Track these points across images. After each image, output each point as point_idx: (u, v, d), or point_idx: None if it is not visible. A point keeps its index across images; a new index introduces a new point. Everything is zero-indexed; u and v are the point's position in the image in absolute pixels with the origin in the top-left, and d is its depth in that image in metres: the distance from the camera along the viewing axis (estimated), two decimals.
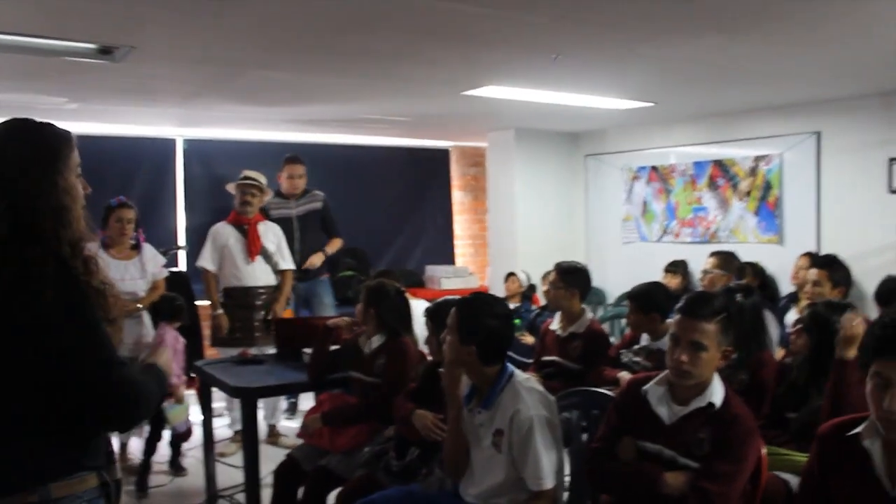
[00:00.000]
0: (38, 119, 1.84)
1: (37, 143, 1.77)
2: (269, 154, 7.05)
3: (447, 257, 7.89)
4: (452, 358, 2.68)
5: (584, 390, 3.20)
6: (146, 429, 4.84)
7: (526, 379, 2.69)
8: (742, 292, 3.57)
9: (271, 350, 4.76)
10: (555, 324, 4.33)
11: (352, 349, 3.82)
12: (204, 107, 5.43)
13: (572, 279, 4.34)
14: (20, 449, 1.67)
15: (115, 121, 6.06)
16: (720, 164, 6.00)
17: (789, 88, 5.03)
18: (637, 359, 3.92)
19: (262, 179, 5.40)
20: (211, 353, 5.46)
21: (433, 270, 7.23)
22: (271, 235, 5.43)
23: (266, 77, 4.39)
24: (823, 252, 5.21)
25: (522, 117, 6.28)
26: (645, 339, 3.99)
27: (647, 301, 3.90)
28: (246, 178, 5.37)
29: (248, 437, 3.75)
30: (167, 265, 5.77)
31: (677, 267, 5.95)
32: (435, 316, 3.28)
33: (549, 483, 2.52)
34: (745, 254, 5.63)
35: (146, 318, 4.93)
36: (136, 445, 5.04)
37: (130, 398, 1.71)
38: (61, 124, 5.81)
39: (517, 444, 2.56)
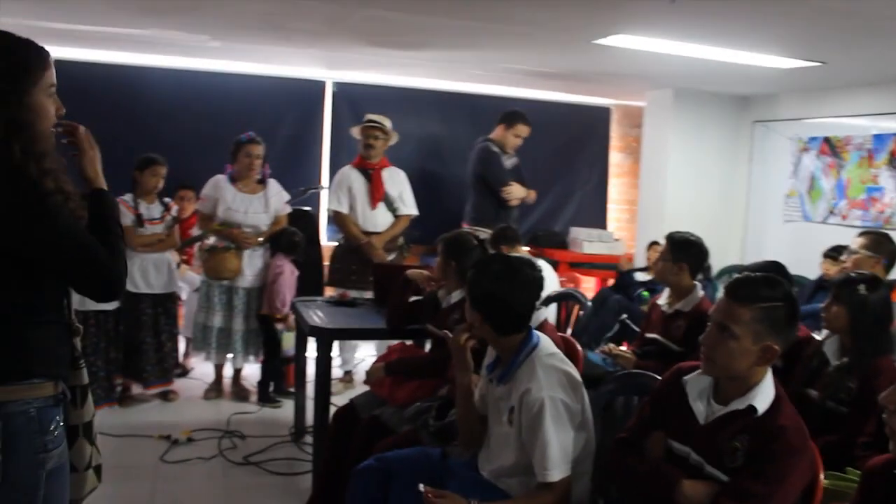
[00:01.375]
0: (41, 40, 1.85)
1: (9, 57, 1.75)
2: (419, 101, 7.04)
3: (599, 221, 7.49)
4: (467, 321, 2.48)
5: (632, 373, 2.86)
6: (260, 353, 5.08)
7: (550, 354, 2.43)
8: (867, 283, 3.04)
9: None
10: (662, 299, 3.96)
11: (433, 301, 3.69)
12: (342, 49, 5.41)
13: (682, 253, 3.95)
14: None
15: (264, 61, 6.21)
16: None
17: None
18: None
19: (387, 123, 5.34)
20: (329, 292, 5.52)
21: (577, 233, 6.89)
22: (396, 182, 5.39)
23: (382, 17, 4.28)
24: None
25: (683, 76, 5.76)
26: None
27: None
28: (369, 120, 5.32)
29: (320, 377, 3.74)
30: (303, 204, 5.93)
31: (839, 253, 5.24)
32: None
33: (556, 475, 2.27)
34: None
35: (265, 251, 5.07)
36: (248, 371, 5.26)
37: (113, 260, 1.77)
38: (206, 62, 6.11)
39: (526, 426, 2.32)
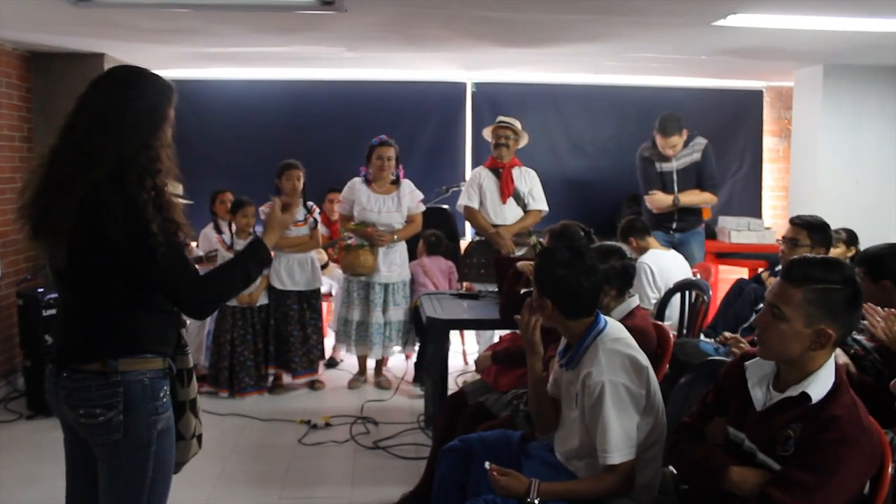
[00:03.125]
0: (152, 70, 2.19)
1: (156, 93, 2.13)
2: (559, 96, 7.07)
3: (752, 209, 7.17)
4: (535, 304, 2.55)
5: (713, 360, 2.81)
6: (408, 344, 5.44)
7: (615, 339, 2.46)
8: None
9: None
10: None
11: None
12: (471, 50, 5.57)
13: (815, 235, 3.81)
14: (98, 328, 2.06)
15: (403, 67, 6.51)
16: None
17: None
18: (859, 337, 3.28)
19: (517, 123, 5.44)
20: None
21: (725, 222, 6.64)
22: (526, 179, 5.48)
23: (495, 18, 4.40)
24: None
25: (830, 52, 5.43)
26: None
27: (877, 265, 3.24)
28: (500, 122, 5.45)
29: (438, 366, 3.93)
30: (444, 202, 6.18)
31: None
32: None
33: (616, 458, 2.31)
34: None
35: (402, 247, 5.34)
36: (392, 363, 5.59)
37: (201, 288, 2.08)
38: (343, 72, 6.59)
39: (588, 409, 2.38)
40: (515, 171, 5.46)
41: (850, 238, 4.83)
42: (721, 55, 5.60)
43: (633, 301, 3.14)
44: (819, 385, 2.01)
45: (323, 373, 5.53)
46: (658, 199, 5.56)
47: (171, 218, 2.07)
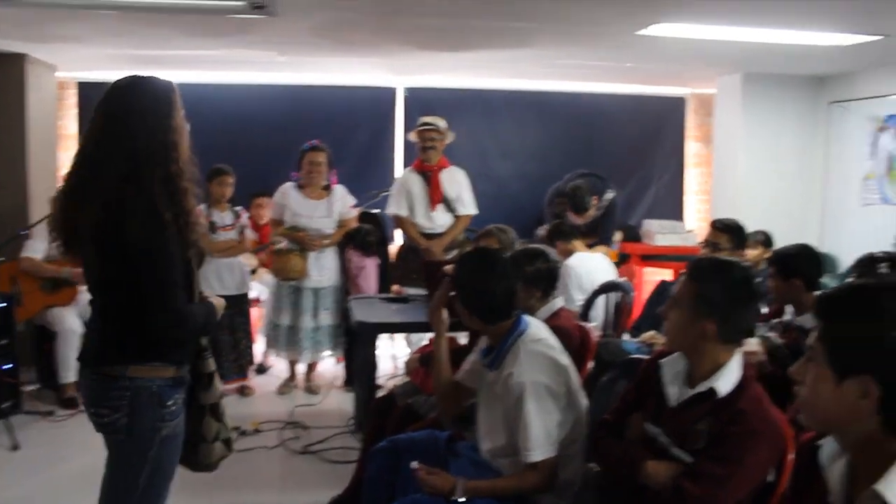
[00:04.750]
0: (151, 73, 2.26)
1: (154, 93, 2.18)
2: (487, 102, 7.17)
3: (675, 213, 7.40)
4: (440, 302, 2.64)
5: (633, 359, 2.91)
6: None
7: (536, 340, 2.53)
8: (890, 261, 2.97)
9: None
10: None
11: None
12: (403, 55, 5.62)
13: (735, 238, 3.96)
14: (113, 333, 2.13)
15: (335, 71, 6.52)
16: None
17: None
18: (770, 334, 3.44)
19: (441, 123, 5.46)
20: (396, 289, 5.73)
21: (649, 225, 6.84)
22: (454, 182, 5.51)
23: (425, 24, 4.46)
24: None
25: (751, 60, 5.65)
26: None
27: (787, 265, 3.40)
28: (424, 123, 5.47)
29: (366, 370, 3.95)
30: (375, 206, 6.19)
31: None
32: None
33: (538, 455, 2.38)
34: None
35: (333, 252, 5.34)
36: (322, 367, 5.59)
37: (175, 321, 2.09)
38: (274, 76, 6.54)
39: (510, 409, 2.44)
40: (444, 175, 5.47)
41: (766, 240, 5.03)
42: (645, 63, 5.76)
43: (558, 302, 3.22)
44: (725, 380, 2.11)
45: (252, 378, 5.49)
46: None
47: (182, 208, 2.11)
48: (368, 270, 5.44)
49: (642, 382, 2.35)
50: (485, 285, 2.53)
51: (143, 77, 2.20)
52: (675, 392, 2.22)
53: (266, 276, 5.89)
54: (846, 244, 5.83)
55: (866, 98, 5.84)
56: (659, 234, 6.69)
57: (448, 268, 3.95)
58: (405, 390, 3.70)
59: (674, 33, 4.49)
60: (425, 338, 5.68)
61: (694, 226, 7.21)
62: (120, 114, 2.11)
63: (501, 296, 2.54)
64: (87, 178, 2.08)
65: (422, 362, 3.67)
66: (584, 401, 2.61)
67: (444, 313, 2.77)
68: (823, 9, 4.01)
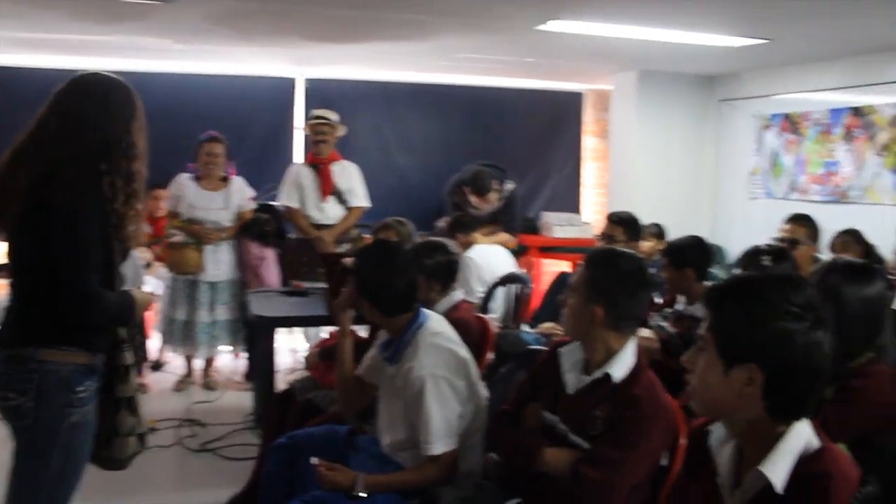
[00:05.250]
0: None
1: (120, 86, 2.25)
2: (389, 94, 7.14)
3: (572, 205, 7.56)
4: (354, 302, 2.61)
5: (531, 350, 2.96)
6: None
7: (435, 333, 2.53)
8: (773, 254, 3.09)
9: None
10: None
11: None
12: (306, 46, 5.54)
13: (629, 230, 4.07)
14: (26, 316, 2.09)
15: (234, 61, 6.35)
16: (858, 112, 5.23)
17: None
18: (663, 323, 3.55)
19: (333, 116, 5.42)
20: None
21: (547, 217, 6.96)
22: (345, 175, 5.47)
23: (328, 15, 4.39)
24: None
25: (646, 58, 5.82)
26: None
27: (679, 255, 3.52)
28: (315, 116, 5.42)
29: (264, 364, 3.88)
30: (273, 199, 6.06)
31: None
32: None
33: (438, 448, 2.38)
34: (879, 217, 4.92)
35: (229, 245, 5.21)
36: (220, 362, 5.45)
37: (82, 304, 2.05)
38: (175, 64, 6.28)
39: (410, 402, 2.44)
40: (336, 168, 5.43)
41: (660, 232, 5.20)
42: (545, 58, 5.85)
43: (457, 295, 3.24)
44: (620, 366, 2.17)
45: (147, 375, 5.31)
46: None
47: (126, 201, 2.11)
48: (269, 262, 5.32)
49: (539, 372, 2.39)
50: (386, 278, 2.51)
51: (97, 73, 2.25)
52: (572, 380, 2.26)
53: (161, 269, 5.68)
54: (735, 236, 6.09)
55: (752, 97, 6.10)
56: (557, 226, 6.81)
57: (347, 260, 3.94)
58: (304, 385, 3.64)
59: (572, 30, 4.57)
60: (324, 332, 5.64)
61: (591, 218, 7.38)
62: (82, 106, 2.14)
63: (402, 288, 2.53)
64: (14, 167, 2.07)
65: (322, 357, 3.62)
66: (484, 392, 2.63)
67: (350, 311, 2.72)
68: (714, 11, 4.18)
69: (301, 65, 6.65)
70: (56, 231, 2.00)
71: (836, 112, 5.39)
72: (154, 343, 5.49)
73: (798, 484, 1.43)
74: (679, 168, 6.50)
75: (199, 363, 5.34)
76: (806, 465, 1.45)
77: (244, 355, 5.42)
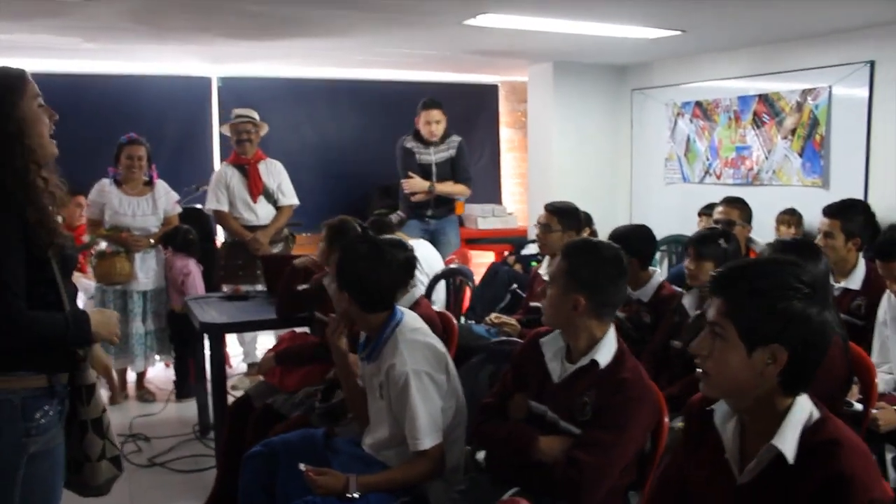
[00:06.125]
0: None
1: None
2: (307, 91, 7.07)
3: (493, 196, 7.67)
4: (339, 307, 2.59)
5: (501, 341, 3.03)
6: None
7: (413, 329, 2.56)
8: (725, 237, 3.24)
9: None
10: (543, 268, 4.14)
11: (319, 289, 3.77)
12: (221, 44, 5.40)
13: (565, 220, 4.15)
14: None
15: (146, 59, 6.14)
16: (766, 99, 5.51)
17: (838, 12, 4.52)
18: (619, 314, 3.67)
19: (255, 115, 5.36)
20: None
21: (471, 209, 7.04)
22: (273, 173, 5.40)
23: (246, 11, 4.30)
24: (871, 198, 4.75)
25: (560, 50, 5.96)
26: None
27: (622, 244, 3.63)
28: (238, 116, 5.33)
29: (215, 371, 3.80)
30: (196, 202, 5.91)
31: (712, 210, 5.54)
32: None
33: (427, 443, 2.41)
34: (789, 198, 5.21)
35: (159, 253, 5.06)
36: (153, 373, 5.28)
37: (3, 326, 1.87)
38: (84, 63, 5.92)
39: (394, 399, 2.45)
40: (262, 167, 5.36)
41: (587, 219, 5.34)
42: (467, 52, 5.91)
43: (418, 291, 3.26)
44: (604, 352, 2.25)
45: None
46: (415, 184, 5.64)
47: (29, 205, 1.92)
48: (194, 275, 5.15)
49: (522, 362, 2.45)
50: (374, 272, 2.52)
51: None
52: (557, 368, 2.33)
53: (83, 280, 5.46)
54: (653, 220, 6.24)
55: (664, 86, 6.34)
56: (481, 217, 6.91)
57: (298, 261, 3.91)
58: (260, 390, 3.59)
59: (499, 24, 4.64)
60: (258, 336, 5.55)
61: (512, 208, 7.50)
62: None
63: (387, 284, 2.55)
64: None
65: (277, 361, 3.58)
66: (460, 386, 2.67)
67: (344, 341, 2.70)
68: (634, 5, 4.31)
69: (216, 63, 6.49)
70: None
71: (744, 99, 5.66)
72: None
73: (808, 453, 1.54)
74: (596, 156, 6.69)
75: (132, 375, 5.17)
76: (812, 435, 1.56)
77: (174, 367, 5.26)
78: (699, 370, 1.65)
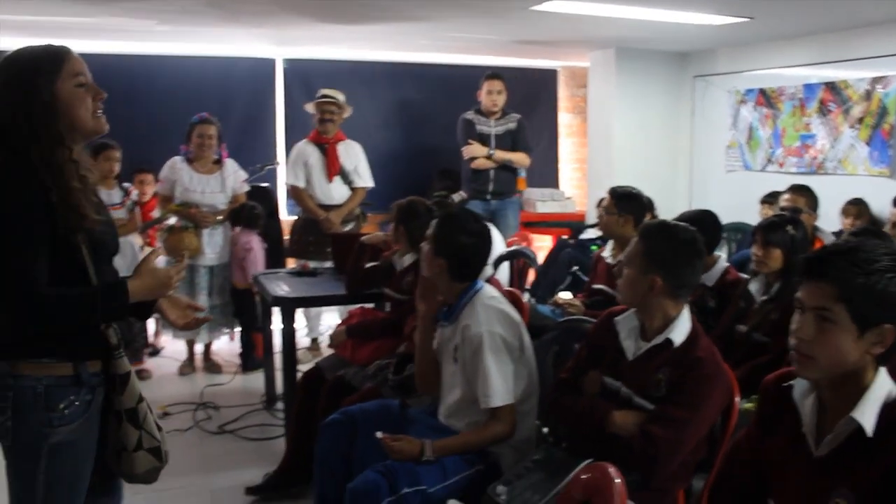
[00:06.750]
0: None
1: (16, 62, 1.91)
2: (369, 73, 7.16)
3: (551, 181, 7.71)
4: (428, 271, 2.69)
5: (572, 320, 3.09)
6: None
7: (491, 297, 2.66)
8: (793, 224, 3.26)
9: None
10: (606, 251, 4.18)
11: (387, 266, 3.89)
12: (290, 26, 5.51)
13: (626, 205, 4.18)
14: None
15: (214, 41, 6.29)
16: (832, 87, 5.45)
17: None
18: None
19: (341, 97, 5.47)
20: (291, 264, 5.67)
21: (530, 193, 7.08)
22: (351, 155, 5.52)
23: None
24: None
25: (623, 36, 5.96)
26: None
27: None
28: (324, 96, 5.44)
29: (286, 344, 3.93)
30: (261, 180, 6.06)
31: (775, 198, 5.51)
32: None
33: (498, 400, 2.50)
34: (854, 187, 5.16)
35: (225, 229, 5.21)
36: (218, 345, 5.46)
37: (27, 310, 1.82)
38: (155, 45, 6.07)
39: (469, 359, 2.56)
40: (341, 147, 5.49)
41: (649, 204, 5.35)
42: (531, 37, 5.94)
43: (487, 271, 3.34)
44: (679, 331, 2.31)
45: (146, 361, 5.30)
46: (474, 149, 5.73)
47: (56, 186, 1.86)
48: (255, 252, 5.30)
49: (596, 340, 2.51)
50: (475, 247, 2.68)
51: (23, 47, 1.93)
52: (631, 346, 2.39)
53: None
54: (713, 207, 6.20)
55: (727, 73, 6.30)
56: (540, 201, 6.95)
57: (367, 238, 4.02)
58: (331, 363, 3.72)
59: (566, 9, 4.67)
60: (322, 313, 5.69)
61: (570, 193, 7.53)
62: None
63: (482, 259, 2.69)
64: None
65: (349, 334, 3.69)
66: (533, 359, 2.75)
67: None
68: None
69: (281, 45, 6.62)
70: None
71: (810, 87, 5.61)
72: (149, 328, 5.47)
73: (888, 426, 1.58)
74: (656, 143, 6.68)
75: (199, 348, 5.35)
76: (892, 409, 1.60)
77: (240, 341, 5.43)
78: (796, 353, 1.66)
